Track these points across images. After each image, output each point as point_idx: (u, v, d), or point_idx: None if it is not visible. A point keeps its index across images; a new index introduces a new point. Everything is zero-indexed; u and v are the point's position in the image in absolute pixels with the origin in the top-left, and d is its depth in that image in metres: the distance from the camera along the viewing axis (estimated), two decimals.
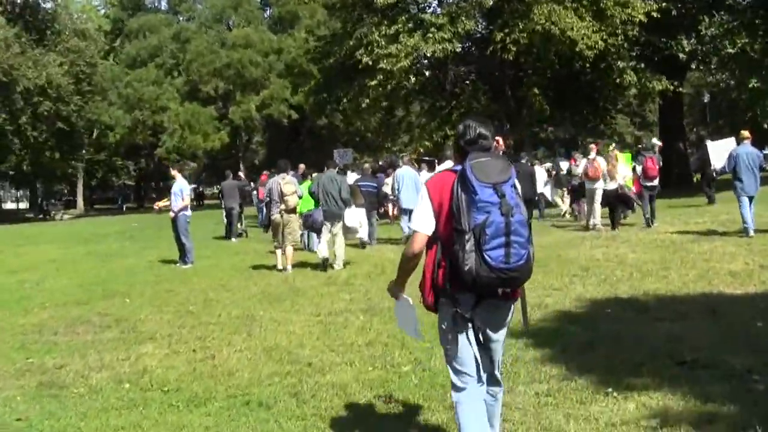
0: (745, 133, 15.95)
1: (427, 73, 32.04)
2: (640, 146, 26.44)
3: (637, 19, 27.53)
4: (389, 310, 9.29)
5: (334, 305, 10.83)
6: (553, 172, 26.11)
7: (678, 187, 30.10)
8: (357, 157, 47.11)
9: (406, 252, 4.42)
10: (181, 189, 17.19)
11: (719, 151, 20.37)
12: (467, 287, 4.15)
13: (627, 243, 15.64)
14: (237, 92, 55.26)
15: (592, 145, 19.93)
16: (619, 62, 28.82)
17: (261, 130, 73.12)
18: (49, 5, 52.82)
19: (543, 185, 24.42)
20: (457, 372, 4.45)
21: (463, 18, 27.68)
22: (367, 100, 29.27)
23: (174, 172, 17.98)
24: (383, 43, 27.75)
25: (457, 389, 4.46)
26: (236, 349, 8.49)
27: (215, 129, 54.52)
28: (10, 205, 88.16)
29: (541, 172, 24.76)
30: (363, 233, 16.38)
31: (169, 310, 11.32)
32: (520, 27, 27.02)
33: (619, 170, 18.50)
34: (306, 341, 8.65)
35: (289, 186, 14.33)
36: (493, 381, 4.64)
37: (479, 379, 4.45)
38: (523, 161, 21.44)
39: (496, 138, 5.05)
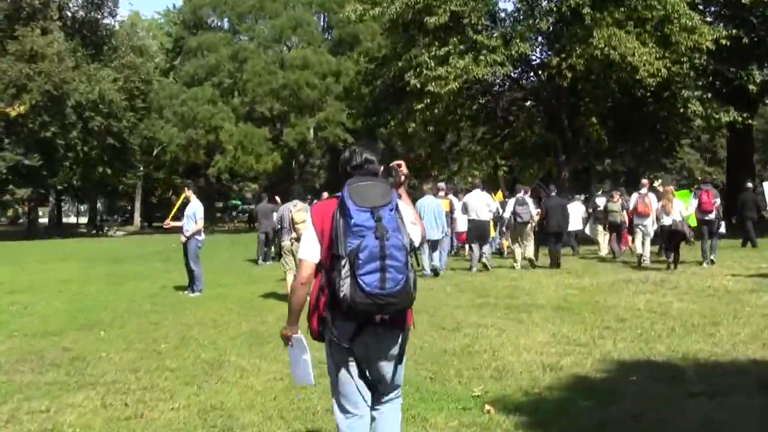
0: None
1: (480, 100, 30.35)
2: (701, 180, 24.74)
3: (705, 47, 25.75)
4: None
5: (318, 353, 9.37)
6: (590, 210, 24.33)
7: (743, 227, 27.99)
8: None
9: (294, 283, 4.40)
10: (195, 212, 16.16)
11: None
12: (345, 315, 4.11)
13: (675, 290, 13.91)
14: (292, 114, 54.34)
15: (644, 180, 19.65)
16: (684, 91, 26.95)
17: (320, 154, 72.42)
18: (108, 21, 52.73)
19: (581, 221, 23.51)
20: (339, 405, 4.48)
21: (518, 41, 26.12)
22: (413, 125, 27.88)
23: (188, 193, 16.85)
24: (432, 64, 26.39)
25: (339, 418, 4.47)
26: (175, 406, 7.14)
27: (269, 150, 53.56)
28: (71, 219, 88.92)
29: (577, 207, 23.59)
30: None
31: (138, 348, 10.04)
32: (578, 52, 25.42)
33: (675, 206, 17.55)
34: (259, 401, 7.26)
35: (300, 214, 13.56)
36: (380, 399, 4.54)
37: (362, 413, 4.44)
38: (553, 194, 20.60)
39: (398, 162, 4.83)
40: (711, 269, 17.02)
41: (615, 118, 30.07)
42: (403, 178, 4.77)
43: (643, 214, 18.29)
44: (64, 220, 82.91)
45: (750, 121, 28.95)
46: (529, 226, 18.87)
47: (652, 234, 18.39)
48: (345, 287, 3.99)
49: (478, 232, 18.65)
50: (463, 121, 31.20)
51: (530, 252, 19.07)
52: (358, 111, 34.69)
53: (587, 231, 23.97)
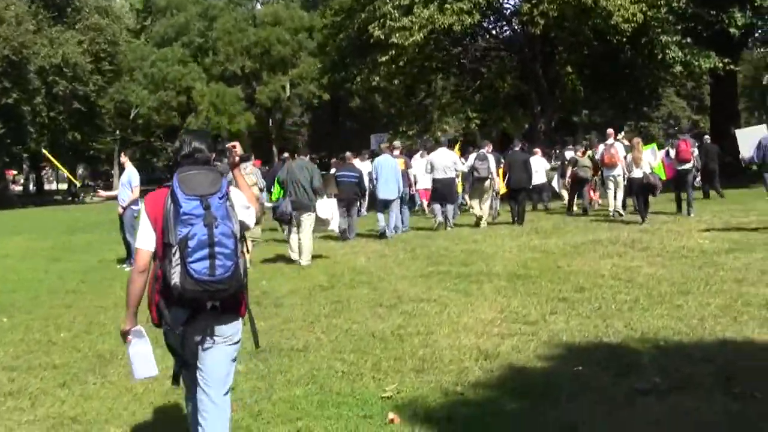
0: None
1: (451, 51, 28.80)
2: (676, 130, 24.19)
3: None
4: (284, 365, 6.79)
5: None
6: (558, 163, 23.75)
7: (729, 176, 26.76)
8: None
9: (131, 273, 4.34)
10: (130, 179, 15.00)
11: (748, 139, 18.04)
12: (177, 302, 4.12)
13: (646, 252, 12.74)
14: (265, 72, 52.73)
15: (610, 131, 19.01)
16: (662, 37, 25.54)
17: (298, 112, 70.83)
18: None
19: (544, 175, 22.72)
20: (185, 387, 4.57)
21: None
22: (377, 78, 26.48)
23: (123, 159, 15.65)
24: (396, 15, 24.96)
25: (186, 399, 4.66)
26: (29, 418, 6.03)
27: (243, 110, 52.01)
28: (53, 186, 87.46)
29: (540, 162, 22.69)
30: (334, 225, 14.74)
31: (32, 339, 8.86)
32: None
33: (644, 157, 17.17)
34: (130, 409, 6.12)
35: (250, 177, 12.67)
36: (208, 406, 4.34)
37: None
38: (516, 149, 19.71)
39: (233, 144, 4.88)
40: (688, 224, 15.89)
41: (591, 67, 28.79)
42: (237, 159, 4.79)
43: (609, 164, 18.14)
44: (47, 186, 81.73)
45: (732, 67, 27.61)
46: (487, 182, 18.17)
47: (622, 185, 18.21)
48: (176, 275, 3.99)
49: (444, 191, 17.95)
50: (432, 74, 29.71)
51: (484, 209, 18.47)
52: (324, 66, 33.13)
53: (555, 185, 23.24)
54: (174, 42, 54.58)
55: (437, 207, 18.12)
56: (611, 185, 18.34)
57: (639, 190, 17.16)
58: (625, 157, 17.85)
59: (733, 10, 26.64)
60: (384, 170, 17.31)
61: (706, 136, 24.83)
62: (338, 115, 58.94)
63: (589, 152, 20.55)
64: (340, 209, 15.89)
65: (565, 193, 22.04)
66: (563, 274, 11.13)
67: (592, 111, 36.00)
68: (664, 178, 18.43)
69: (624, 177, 18.02)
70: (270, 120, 60.64)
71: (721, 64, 26.31)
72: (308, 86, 50.56)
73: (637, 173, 17.01)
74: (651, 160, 17.47)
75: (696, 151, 18.50)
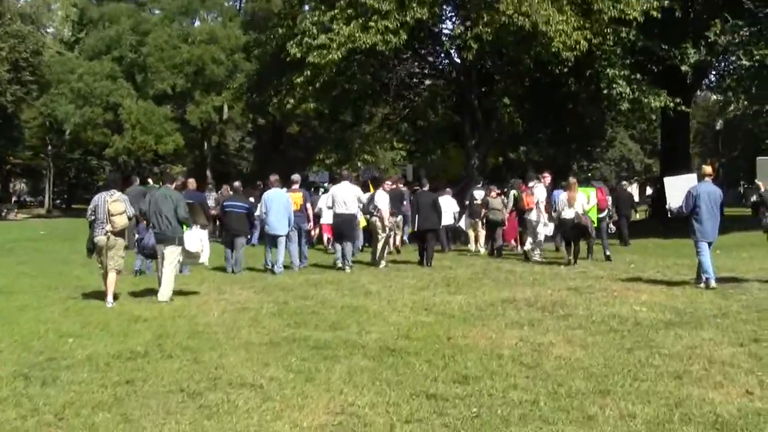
0: (707, 169, 13.99)
1: (371, 74, 26.03)
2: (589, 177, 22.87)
3: (632, 18, 22.06)
4: None
5: None
6: (466, 202, 21.86)
7: (676, 225, 24.41)
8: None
9: None
10: None
11: (677, 188, 16.18)
12: None
13: (566, 320, 10.05)
14: (197, 91, 49.68)
15: (545, 173, 19.27)
16: (608, 70, 23.14)
17: (238, 136, 68.06)
18: None
19: (452, 216, 21.48)
20: None
21: (415, 5, 21.95)
22: (292, 101, 23.73)
23: None
24: (315, 31, 22.27)
25: None
26: None
27: (171, 130, 48.86)
28: None
29: (449, 202, 21.39)
30: (204, 258, 13.37)
31: None
32: (485, 19, 21.53)
33: (578, 198, 16.66)
34: None
35: (117, 204, 12.09)
36: None
37: None
38: (425, 189, 19.13)
39: None
40: (624, 286, 13.28)
41: (532, 99, 26.28)
42: None
43: (528, 208, 18.28)
44: None
45: (684, 108, 25.23)
46: (375, 220, 17.24)
47: (540, 229, 18.06)
48: None
49: (343, 226, 16.92)
50: (357, 100, 26.91)
51: (378, 248, 17.42)
52: (239, 87, 30.17)
53: (462, 224, 22.00)
54: (104, 56, 51.28)
55: (337, 246, 17.20)
56: (529, 227, 18.30)
57: (568, 231, 16.75)
58: (544, 201, 17.92)
59: (686, 46, 24.37)
60: (274, 204, 16.30)
61: (624, 183, 25.60)
62: (281, 141, 56.09)
63: (514, 192, 19.45)
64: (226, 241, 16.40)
65: (471, 234, 21.30)
66: (451, 351, 8.40)
67: (532, 148, 33.33)
68: (594, 223, 17.71)
69: (540, 221, 17.97)
70: (205, 143, 57.60)
71: (672, 104, 23.95)
72: (240, 108, 47.44)
73: (568, 213, 16.45)
74: (584, 202, 16.83)
75: (610, 199, 18.81)
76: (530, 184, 18.02)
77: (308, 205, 17.93)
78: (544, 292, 12.43)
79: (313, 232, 20.35)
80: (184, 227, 12.81)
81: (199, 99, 49.51)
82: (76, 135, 55.06)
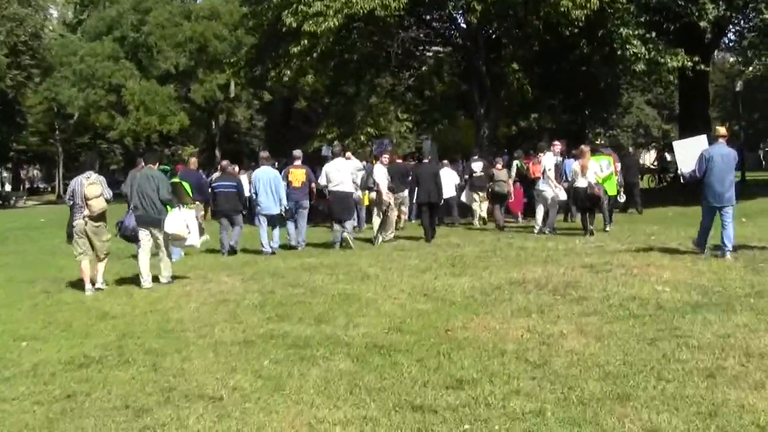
0: (721, 130, 12.85)
1: (373, 41, 24.66)
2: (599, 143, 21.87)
3: None
4: None
5: None
6: (466, 175, 21.38)
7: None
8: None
9: None
10: None
11: (688, 152, 14.48)
12: None
13: (580, 305, 8.94)
14: (200, 69, 48.54)
15: (555, 142, 18.31)
16: (621, 29, 21.79)
17: (247, 114, 66.95)
18: None
19: (454, 188, 21.08)
20: None
21: None
22: (288, 73, 22.57)
23: None
24: None
25: None
26: None
27: (175, 110, 47.75)
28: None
29: (450, 174, 21.07)
30: (193, 240, 12.70)
31: None
32: None
33: (590, 167, 16.12)
34: None
35: (94, 187, 11.65)
36: None
37: None
38: (426, 161, 18.56)
39: None
40: (647, 257, 12.13)
41: (542, 64, 24.97)
42: None
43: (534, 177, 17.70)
44: None
45: (702, 67, 23.85)
46: (382, 196, 16.98)
47: (549, 195, 17.17)
48: None
49: (340, 205, 16.23)
50: (358, 70, 25.61)
51: (375, 223, 17.32)
52: (237, 61, 28.95)
53: (463, 198, 21.27)
54: (105, 36, 50.18)
55: (335, 225, 16.35)
56: (538, 200, 17.43)
57: (581, 202, 16.26)
58: (552, 169, 17.23)
59: (704, 1, 22.91)
60: (262, 182, 15.90)
61: (631, 149, 23.95)
62: (290, 117, 54.93)
63: (517, 163, 19.25)
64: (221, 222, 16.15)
65: (476, 207, 20.70)
66: (447, 347, 7.34)
67: (544, 115, 31.91)
68: (613, 192, 17.68)
69: (553, 191, 17.16)
70: (213, 123, 56.55)
71: (690, 63, 22.60)
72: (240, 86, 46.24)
73: (581, 183, 15.97)
74: (597, 170, 16.37)
75: (619, 166, 18.14)
76: (542, 154, 17.21)
77: (312, 184, 17.08)
78: (557, 271, 11.30)
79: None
80: (169, 208, 12.26)
81: (203, 77, 48.41)
82: (83, 119, 54.18)
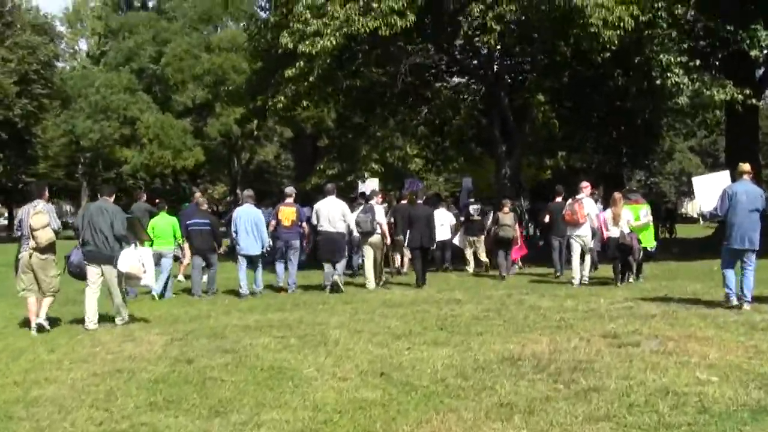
0: (745, 167, 11.75)
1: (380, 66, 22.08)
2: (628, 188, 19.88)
3: None
4: None
5: None
6: (462, 218, 19.88)
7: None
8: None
9: None
10: None
11: (709, 189, 13.48)
12: None
13: (590, 402, 6.19)
14: (218, 103, 46.46)
15: (584, 183, 16.43)
16: (661, 56, 19.10)
17: (273, 150, 64.89)
18: None
19: (449, 230, 19.72)
20: None
21: None
22: (282, 99, 20.17)
23: None
24: (308, 16, 18.69)
25: None
26: None
27: (188, 145, 45.70)
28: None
29: (445, 216, 19.74)
30: (148, 280, 11.99)
31: None
32: None
33: (623, 215, 14.82)
34: None
35: (40, 217, 10.80)
36: None
37: None
38: (420, 202, 17.42)
39: None
40: (689, 331, 9.34)
41: (571, 96, 22.30)
42: None
43: (570, 222, 15.70)
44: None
45: (753, 101, 21.01)
46: (375, 237, 15.65)
47: (589, 247, 15.81)
48: None
49: (330, 245, 15.40)
50: (355, 97, 23.02)
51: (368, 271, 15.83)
52: (238, 92, 26.64)
53: (456, 241, 19.87)
54: (122, 67, 48.44)
55: (326, 267, 15.42)
56: (575, 247, 15.65)
57: (613, 252, 14.93)
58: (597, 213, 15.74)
59: (757, 27, 20.15)
60: (242, 221, 15.05)
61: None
62: (317, 151, 52.68)
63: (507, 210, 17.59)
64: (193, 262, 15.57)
65: (468, 253, 19.58)
66: None
67: (573, 155, 28.90)
68: (650, 243, 15.76)
69: (593, 237, 15.88)
70: (236, 160, 54.50)
71: (740, 96, 19.78)
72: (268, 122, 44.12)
73: (614, 232, 14.81)
74: (630, 218, 14.99)
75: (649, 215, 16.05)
76: (578, 197, 15.83)
77: (304, 223, 16.52)
78: (568, 344, 8.59)
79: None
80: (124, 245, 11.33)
81: (220, 111, 46.26)
82: (99, 152, 52.44)
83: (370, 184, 22.48)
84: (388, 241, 16.06)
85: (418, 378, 7.31)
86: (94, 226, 11.12)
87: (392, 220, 17.05)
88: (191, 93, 46.03)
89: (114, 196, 12.09)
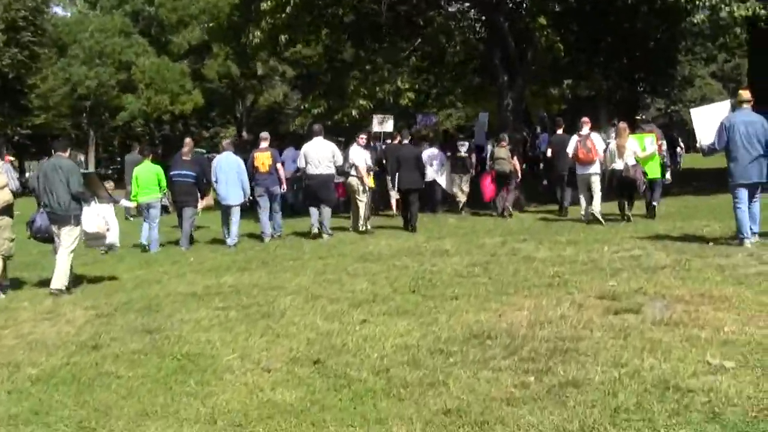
0: (745, 94, 10.76)
1: None
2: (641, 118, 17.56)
3: None
4: None
5: None
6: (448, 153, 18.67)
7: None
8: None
9: None
10: None
11: (708, 121, 12.15)
12: None
13: (567, 393, 4.66)
14: (215, 44, 44.65)
15: (585, 119, 15.38)
16: None
17: (281, 91, 62.95)
18: None
19: (437, 172, 18.45)
20: None
21: None
22: (258, 34, 18.53)
23: None
24: None
25: None
26: None
27: (185, 89, 44.07)
28: None
29: (433, 154, 18.50)
30: (113, 238, 11.03)
31: None
32: None
33: (628, 146, 14.04)
34: None
35: None
36: None
37: None
38: (406, 141, 16.53)
39: None
40: (703, 288, 7.76)
41: (578, 19, 20.40)
42: None
43: (585, 161, 14.73)
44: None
45: None
46: (353, 180, 15.05)
47: (598, 186, 14.68)
48: None
49: (317, 189, 14.73)
50: (346, 29, 21.24)
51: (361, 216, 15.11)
52: (217, 26, 24.99)
53: (441, 181, 18.53)
54: (115, 10, 46.63)
55: (312, 211, 14.86)
56: (584, 186, 14.88)
57: (618, 185, 14.28)
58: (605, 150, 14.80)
59: None
60: (222, 171, 14.51)
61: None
62: None
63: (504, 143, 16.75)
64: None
65: (458, 192, 18.29)
66: None
67: (579, 82, 26.83)
68: (656, 174, 14.81)
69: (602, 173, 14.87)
70: (239, 101, 52.92)
71: (763, 12, 17.84)
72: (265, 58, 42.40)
73: (618, 165, 14.08)
74: (637, 150, 14.18)
75: (664, 144, 15.57)
76: (582, 132, 14.95)
77: (278, 166, 15.43)
78: (554, 312, 7.06)
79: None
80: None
81: (218, 51, 44.45)
82: (105, 99, 50.85)
83: (383, 124, 21.01)
84: (366, 183, 15.15)
85: (358, 367, 5.89)
86: (48, 186, 10.41)
87: (384, 161, 16.71)
88: (187, 34, 44.13)
89: (69, 151, 11.21)
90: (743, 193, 10.37)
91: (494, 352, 5.96)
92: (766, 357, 5.38)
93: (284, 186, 15.76)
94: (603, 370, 5.29)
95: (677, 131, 32.97)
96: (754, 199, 10.51)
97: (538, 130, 27.01)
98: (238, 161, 14.78)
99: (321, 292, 8.86)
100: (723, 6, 17.77)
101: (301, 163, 15.02)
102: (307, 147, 14.88)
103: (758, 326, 6.16)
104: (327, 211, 14.75)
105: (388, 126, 19.79)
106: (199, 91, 45.26)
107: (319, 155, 14.49)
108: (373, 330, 6.93)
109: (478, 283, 8.82)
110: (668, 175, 16.19)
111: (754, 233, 10.31)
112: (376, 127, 19.73)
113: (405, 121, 24.75)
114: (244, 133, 51.58)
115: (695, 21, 18.32)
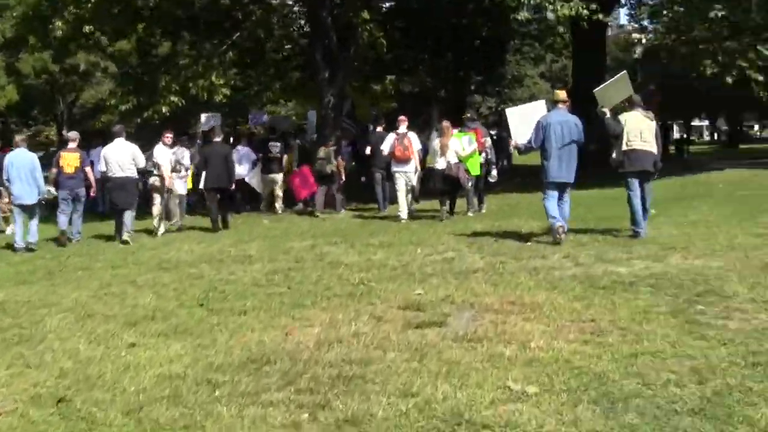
0: (561, 94, 11.17)
1: None
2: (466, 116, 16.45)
3: None
4: None
5: None
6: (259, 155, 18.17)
7: (594, 169, 18.68)
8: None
9: None
10: None
11: (523, 120, 12.26)
12: None
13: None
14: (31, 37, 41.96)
15: (402, 117, 15.37)
16: None
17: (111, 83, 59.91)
18: None
19: (249, 171, 18.05)
20: None
21: None
22: (60, 24, 17.16)
23: None
24: None
25: None
26: None
27: (5, 82, 41.34)
28: None
29: (244, 151, 18.13)
30: None
31: None
32: None
33: (451, 145, 14.15)
34: None
35: None
36: None
37: None
38: (217, 139, 16.09)
39: None
40: (515, 283, 7.30)
41: (403, 16, 19.89)
42: None
43: (402, 159, 14.78)
44: None
45: (600, 17, 18.99)
46: (152, 179, 14.75)
47: (414, 183, 15.23)
48: None
49: (120, 192, 14.08)
50: (158, 23, 20.03)
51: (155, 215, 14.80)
52: (21, 16, 23.39)
53: (249, 180, 18.13)
54: None
55: (117, 217, 14.34)
56: (401, 184, 14.75)
57: (440, 185, 14.30)
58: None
59: None
60: (15, 168, 13.62)
61: (379, 127, 18.16)
62: None
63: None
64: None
65: (276, 191, 17.88)
66: None
67: (402, 78, 26.35)
68: (477, 171, 14.85)
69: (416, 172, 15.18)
70: (59, 98, 50.21)
71: (586, 12, 17.82)
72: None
73: (440, 163, 14.20)
74: (458, 149, 14.24)
75: (489, 142, 15.59)
76: (400, 131, 14.89)
77: (87, 168, 14.67)
78: (348, 328, 6.35)
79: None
80: None
81: (33, 44, 41.60)
82: None
83: (208, 120, 19.99)
84: (167, 183, 14.74)
85: (108, 405, 4.92)
86: None
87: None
88: (1, 25, 41.08)
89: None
90: (554, 192, 10.47)
91: (269, 381, 5.12)
92: (573, 378, 4.77)
93: (93, 189, 15.16)
94: (389, 402, 4.53)
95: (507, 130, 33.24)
96: (563, 200, 10.61)
97: (371, 128, 26.58)
98: (33, 158, 14.03)
99: (98, 309, 7.83)
100: (548, 5, 17.69)
101: (102, 167, 14.37)
102: (107, 149, 14.32)
103: (567, 340, 5.61)
104: (128, 214, 14.09)
105: (215, 120, 19.10)
106: (13, 87, 42.26)
107: (119, 158, 13.92)
108: (140, 356, 5.97)
109: (274, 293, 8.05)
110: (494, 172, 16.15)
111: (565, 231, 10.30)
112: (202, 126, 18.84)
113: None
114: (65, 132, 48.83)
115: (519, 18, 18.17)
